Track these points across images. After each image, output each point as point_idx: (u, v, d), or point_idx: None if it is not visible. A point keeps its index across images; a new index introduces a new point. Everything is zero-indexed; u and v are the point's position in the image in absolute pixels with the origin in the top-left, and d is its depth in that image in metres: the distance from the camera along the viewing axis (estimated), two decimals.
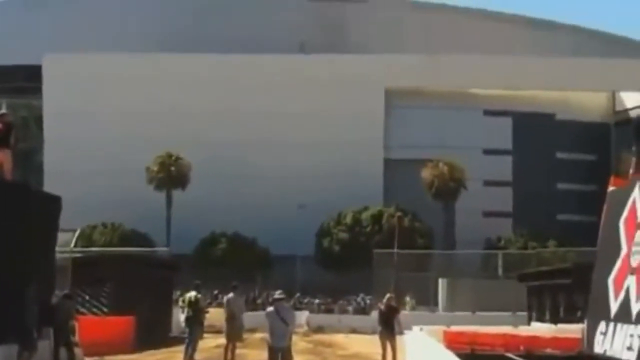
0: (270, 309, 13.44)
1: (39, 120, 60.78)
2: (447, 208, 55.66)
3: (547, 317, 24.08)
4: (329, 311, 34.79)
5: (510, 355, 13.64)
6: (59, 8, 65.35)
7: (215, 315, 20.94)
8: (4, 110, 15.83)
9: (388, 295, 18.20)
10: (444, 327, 19.48)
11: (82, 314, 20.90)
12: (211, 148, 55.86)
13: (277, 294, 13.81)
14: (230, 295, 18.64)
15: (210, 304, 22.58)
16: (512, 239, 52.71)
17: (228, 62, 58.79)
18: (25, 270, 15.47)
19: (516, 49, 62.84)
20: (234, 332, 17.88)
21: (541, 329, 20.54)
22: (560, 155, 62.45)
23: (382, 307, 17.77)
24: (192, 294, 18.55)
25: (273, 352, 13.08)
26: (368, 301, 34.75)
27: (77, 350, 17.24)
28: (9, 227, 14.58)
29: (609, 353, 11.74)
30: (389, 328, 17.01)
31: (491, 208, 58.71)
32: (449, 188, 54.07)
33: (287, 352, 13.19)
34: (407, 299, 35.14)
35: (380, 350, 17.14)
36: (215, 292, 35.44)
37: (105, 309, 22.75)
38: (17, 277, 15.03)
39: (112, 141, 56.69)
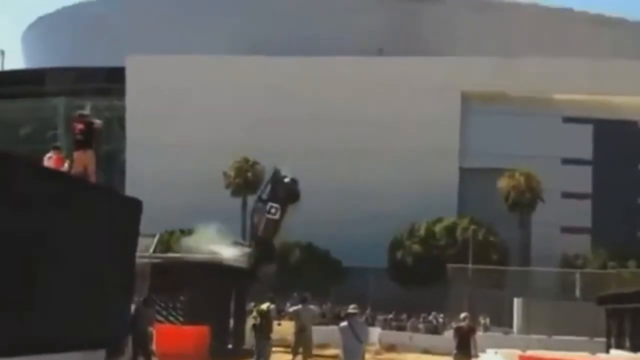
0: (343, 323, 13.19)
1: (121, 122, 61.95)
2: (523, 222, 54.59)
3: (627, 344, 23.30)
4: (401, 328, 34.34)
5: None
6: (142, 9, 66.96)
7: (286, 328, 20.89)
8: (86, 112, 16.02)
9: (464, 314, 17.63)
10: (519, 352, 18.96)
11: (159, 321, 21.23)
12: (287, 155, 56.18)
13: (351, 309, 13.42)
14: (299, 306, 18.33)
15: (283, 317, 22.49)
16: (590, 258, 51.29)
17: (303, 64, 58.95)
18: (113, 275, 15.96)
19: (599, 52, 60.98)
20: (304, 344, 17.64)
21: (620, 357, 19.86)
22: None
23: (460, 325, 17.27)
24: (266, 305, 18.53)
25: None
26: (440, 319, 34.23)
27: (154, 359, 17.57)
28: (95, 232, 15.07)
29: None
30: (465, 349, 16.56)
31: (569, 222, 57.23)
32: (525, 199, 53.02)
33: None
34: (481, 319, 34.54)
35: None
36: (288, 303, 35.46)
37: (180, 318, 23.02)
38: (107, 282, 15.56)
39: (193, 145, 57.65)
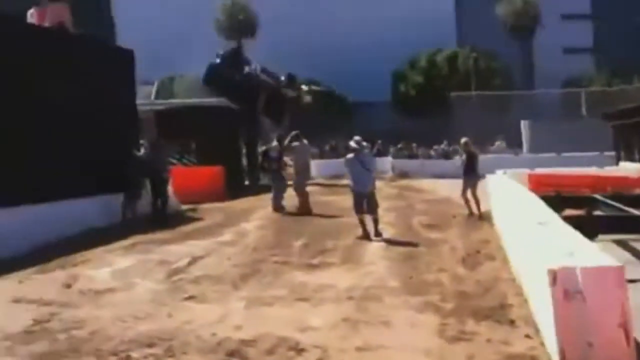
0: (349, 155, 13.12)
1: None
2: (524, 46, 53.97)
3: (637, 156, 23.43)
4: (412, 157, 34.63)
5: (597, 196, 13.38)
6: None
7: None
8: None
9: (464, 139, 17.59)
10: (527, 170, 19.06)
11: (173, 164, 21.43)
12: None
13: (353, 142, 13.12)
14: (298, 143, 17.67)
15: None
16: (594, 77, 50.98)
17: None
18: (116, 123, 15.99)
19: None
20: (308, 177, 17.51)
21: (629, 168, 20.00)
22: None
23: (469, 149, 17.37)
24: (273, 144, 18.53)
25: (358, 197, 13.09)
26: (450, 148, 34.41)
27: (173, 199, 17.82)
28: (91, 83, 14.97)
29: None
30: (470, 173, 16.74)
31: (570, 43, 56.67)
32: (524, 24, 52.25)
33: (371, 197, 13.09)
34: (497, 142, 34.74)
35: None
36: (287, 140, 35.48)
37: (194, 160, 23.24)
38: (111, 131, 15.62)
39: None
